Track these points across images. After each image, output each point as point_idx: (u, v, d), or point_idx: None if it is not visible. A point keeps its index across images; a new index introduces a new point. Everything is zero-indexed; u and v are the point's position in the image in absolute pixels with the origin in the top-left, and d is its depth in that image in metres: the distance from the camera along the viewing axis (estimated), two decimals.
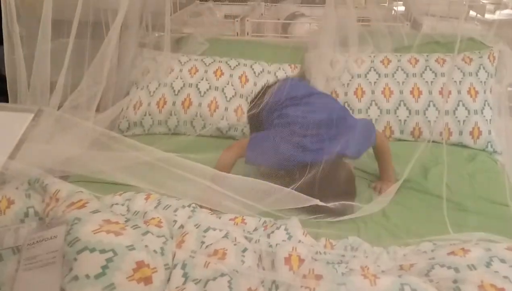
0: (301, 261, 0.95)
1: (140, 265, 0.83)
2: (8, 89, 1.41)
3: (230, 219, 1.12)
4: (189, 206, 1.08)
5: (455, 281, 0.84)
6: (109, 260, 0.81)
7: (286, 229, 1.05)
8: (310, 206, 1.13)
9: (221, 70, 1.94)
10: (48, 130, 0.95)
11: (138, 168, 0.97)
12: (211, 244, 0.96)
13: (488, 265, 0.86)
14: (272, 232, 1.05)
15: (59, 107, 1.43)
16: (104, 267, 0.80)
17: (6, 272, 0.84)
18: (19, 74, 1.40)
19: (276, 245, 0.99)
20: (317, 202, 1.09)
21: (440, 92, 1.77)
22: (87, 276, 0.79)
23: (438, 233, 1.11)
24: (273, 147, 1.25)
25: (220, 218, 1.11)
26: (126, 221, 0.94)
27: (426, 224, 1.26)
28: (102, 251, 0.82)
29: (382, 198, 1.15)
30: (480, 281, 0.82)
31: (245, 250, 0.96)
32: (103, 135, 0.89)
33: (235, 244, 0.97)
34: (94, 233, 0.84)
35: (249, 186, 1.02)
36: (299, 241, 1.02)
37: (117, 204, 1.11)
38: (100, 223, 0.88)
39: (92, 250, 0.82)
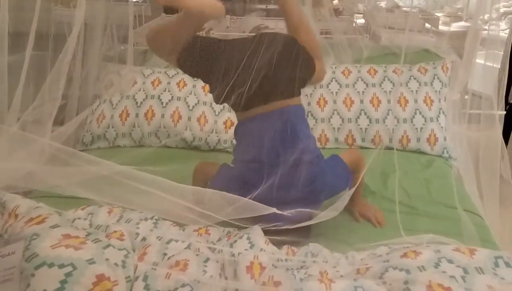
0: (263, 268, 0.98)
1: (100, 278, 0.83)
2: None
3: (194, 230, 1.13)
4: (151, 218, 1.08)
5: (406, 282, 0.88)
6: (68, 274, 0.81)
7: (248, 238, 1.07)
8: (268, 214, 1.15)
9: (184, 82, 1.96)
10: (4, 147, 0.94)
11: (97, 182, 0.97)
12: (173, 256, 0.97)
13: (436, 266, 0.91)
14: (235, 241, 1.07)
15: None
16: (63, 282, 0.80)
17: None
18: None
19: (239, 254, 1.01)
20: (274, 210, 1.11)
21: (398, 101, 1.85)
22: None
23: (393, 236, 1.16)
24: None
25: (184, 229, 1.13)
26: (87, 235, 0.94)
27: (382, 228, 1.33)
28: (61, 266, 0.81)
29: (337, 204, 1.19)
30: (428, 281, 0.86)
31: (207, 260, 0.98)
32: (60, 151, 0.89)
33: (197, 255, 0.98)
34: (53, 248, 0.84)
35: (208, 196, 1.04)
36: (261, 250, 1.05)
37: (79, 218, 1.10)
38: (59, 237, 0.88)
39: (51, 265, 0.81)
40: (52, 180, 0.90)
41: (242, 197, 1.11)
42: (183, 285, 0.87)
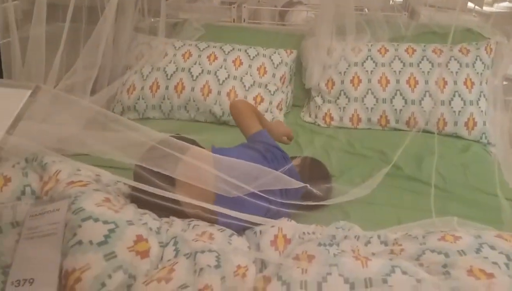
0: (287, 241, 0.97)
1: (139, 238, 0.87)
2: (3, 71, 1.41)
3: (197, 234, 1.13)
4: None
5: (445, 266, 0.85)
6: (111, 230, 0.84)
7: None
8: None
9: (215, 55, 1.93)
10: (44, 108, 0.95)
11: (135, 148, 0.98)
12: (198, 225, 0.99)
13: (478, 251, 0.88)
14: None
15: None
16: (107, 236, 0.83)
17: (5, 244, 0.87)
18: (14, 56, 1.39)
19: (260, 232, 1.01)
20: (302, 185, 1.10)
21: (436, 83, 1.78)
22: (91, 242, 0.82)
23: (423, 219, 1.11)
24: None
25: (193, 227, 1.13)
26: (124, 204, 0.96)
27: (413, 211, 1.28)
28: (105, 222, 0.85)
29: (370, 183, 1.16)
30: (469, 266, 0.83)
31: (231, 234, 1.00)
32: (100, 114, 0.89)
33: (221, 231, 0.99)
34: (97, 206, 0.88)
35: (243, 169, 1.03)
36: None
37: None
38: (102, 199, 0.92)
39: (96, 220, 0.85)
40: (91, 144, 0.91)
41: (273, 170, 1.09)
42: (210, 250, 0.88)
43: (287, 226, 1.02)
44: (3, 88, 0.61)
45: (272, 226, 1.02)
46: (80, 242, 0.82)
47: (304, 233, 1.01)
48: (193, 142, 1.18)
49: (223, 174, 0.97)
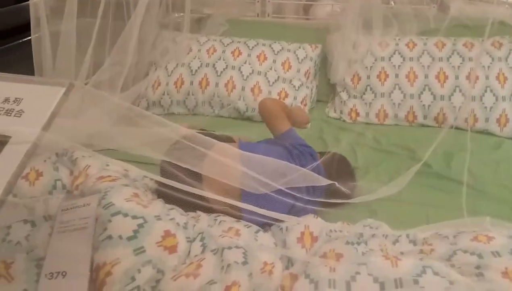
0: (314, 238, 0.96)
1: (167, 233, 0.88)
2: (34, 66, 1.44)
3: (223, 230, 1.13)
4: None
5: (478, 267, 0.83)
6: (140, 225, 0.86)
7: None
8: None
9: (239, 50, 1.92)
10: (77, 105, 0.98)
11: (162, 144, 0.99)
12: (224, 221, 0.99)
13: None
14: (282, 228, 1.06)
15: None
16: (136, 231, 0.84)
17: (39, 236, 0.89)
18: (44, 52, 1.42)
19: (286, 228, 1.01)
20: (330, 182, 1.08)
21: (467, 77, 1.72)
22: (120, 237, 0.83)
23: (453, 219, 1.08)
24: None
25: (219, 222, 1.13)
26: (152, 199, 0.97)
27: (443, 210, 1.24)
28: (134, 217, 0.86)
29: (399, 181, 1.14)
30: (504, 268, 0.80)
31: (258, 231, 0.99)
32: (130, 111, 0.91)
33: (248, 227, 0.99)
34: (127, 201, 0.90)
35: (270, 165, 1.03)
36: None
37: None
38: (131, 194, 0.93)
39: (125, 215, 0.86)
40: (121, 140, 0.92)
41: (301, 167, 1.08)
42: (237, 246, 0.88)
43: (314, 223, 1.01)
44: (37, 85, 0.62)
45: (298, 223, 1.01)
46: (110, 237, 0.83)
47: (331, 230, 1.00)
48: (228, 138, 1.19)
49: (250, 170, 0.97)
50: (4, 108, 0.60)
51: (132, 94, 1.66)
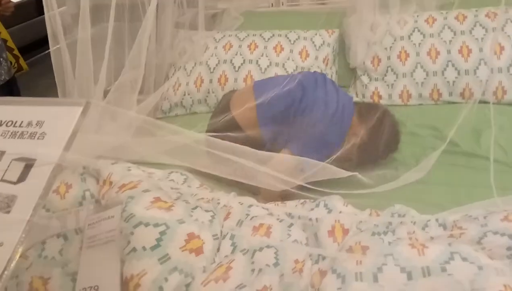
0: (345, 231, 0.96)
1: (191, 236, 0.88)
2: (56, 79, 1.48)
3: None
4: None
5: (509, 248, 0.81)
6: (162, 232, 0.86)
7: (325, 205, 1.05)
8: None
9: (255, 43, 1.92)
10: (96, 121, 1.01)
11: (180, 150, 1.00)
12: (256, 216, 0.99)
13: None
14: (312, 209, 1.06)
15: (105, 93, 1.48)
16: (158, 240, 0.85)
17: (71, 251, 0.92)
18: (65, 62, 1.46)
19: (316, 219, 1.00)
20: (350, 174, 1.07)
21: (492, 49, 1.66)
22: (144, 248, 0.84)
23: (484, 197, 1.05)
24: None
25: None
26: (176, 199, 0.99)
27: (473, 190, 1.21)
28: (156, 225, 0.87)
29: (423, 165, 1.11)
30: None
31: (291, 225, 0.98)
32: (146, 123, 0.93)
33: (280, 220, 0.99)
34: (147, 209, 0.90)
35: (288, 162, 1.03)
36: (340, 212, 1.03)
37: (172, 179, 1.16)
38: (152, 200, 0.94)
39: (147, 224, 0.87)
40: (141, 150, 0.94)
41: (320, 161, 1.08)
42: (268, 246, 0.88)
43: (344, 216, 1.00)
44: (56, 106, 0.65)
45: (329, 212, 1.01)
46: (134, 249, 0.84)
47: (360, 222, 0.99)
48: None
49: (268, 169, 0.97)
50: (28, 131, 0.64)
51: (152, 100, 1.69)
